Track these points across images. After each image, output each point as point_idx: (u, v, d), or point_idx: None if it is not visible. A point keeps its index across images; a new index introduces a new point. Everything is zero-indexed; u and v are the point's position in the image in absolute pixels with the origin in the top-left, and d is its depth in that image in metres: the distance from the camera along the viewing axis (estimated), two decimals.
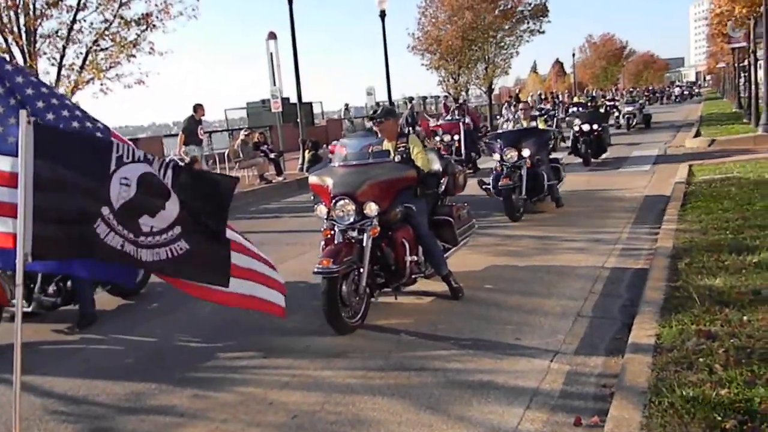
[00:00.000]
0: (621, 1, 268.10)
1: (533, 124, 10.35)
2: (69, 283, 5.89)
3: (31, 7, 10.76)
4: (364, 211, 5.26)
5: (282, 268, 7.55)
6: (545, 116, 20.69)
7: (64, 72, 11.51)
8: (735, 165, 12.14)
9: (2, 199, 3.21)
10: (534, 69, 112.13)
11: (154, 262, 3.40)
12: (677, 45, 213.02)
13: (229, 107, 32.96)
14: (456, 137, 12.92)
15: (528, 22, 33.21)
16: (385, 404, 3.91)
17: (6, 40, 10.70)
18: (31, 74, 3.44)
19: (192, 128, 13.68)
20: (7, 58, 10.79)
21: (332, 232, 5.46)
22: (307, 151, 15.96)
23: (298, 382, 4.37)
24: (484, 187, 9.48)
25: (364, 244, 5.25)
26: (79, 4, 11.38)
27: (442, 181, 6.37)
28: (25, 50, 10.86)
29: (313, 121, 30.74)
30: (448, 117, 16.50)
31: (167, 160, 3.39)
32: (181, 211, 3.30)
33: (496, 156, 9.67)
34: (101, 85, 11.94)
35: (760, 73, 20.00)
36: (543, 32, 33.47)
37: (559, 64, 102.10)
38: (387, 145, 6.05)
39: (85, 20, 11.61)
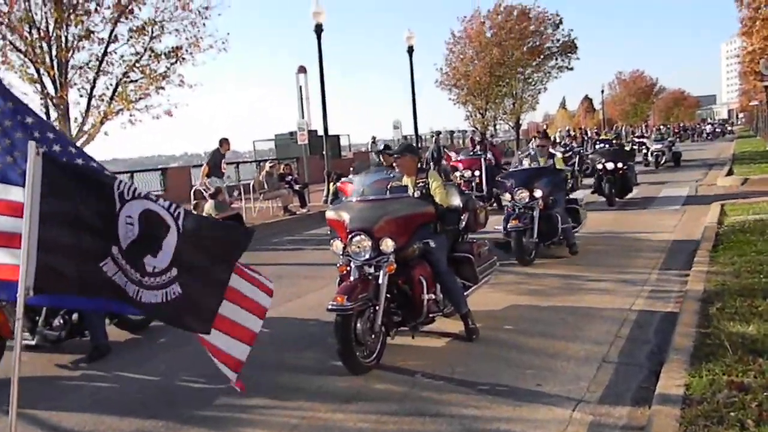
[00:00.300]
0: (651, 39, 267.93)
1: (550, 161, 9.70)
2: (75, 316, 5.83)
3: (63, 39, 11.00)
4: (380, 248, 5.14)
5: (299, 302, 7.53)
6: (570, 153, 20.43)
7: (93, 102, 11.71)
8: None
9: (9, 230, 3.15)
10: (563, 105, 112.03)
11: (151, 305, 3.29)
12: (709, 82, 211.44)
13: (257, 138, 33.40)
14: (477, 173, 12.75)
15: (556, 59, 33.26)
16: None
17: (38, 71, 10.93)
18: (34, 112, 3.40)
19: (216, 161, 13.83)
20: (39, 88, 11.04)
21: (348, 268, 5.34)
22: (331, 184, 15.95)
23: (308, 425, 4.21)
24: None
25: (380, 281, 5.11)
26: (110, 36, 11.63)
27: (462, 218, 6.23)
28: (57, 81, 11.06)
29: (339, 154, 30.91)
30: (471, 152, 16.39)
31: (178, 206, 3.27)
32: (178, 251, 3.19)
33: (507, 196, 9.25)
34: (130, 115, 12.10)
35: None
36: (571, 69, 33.53)
37: (588, 101, 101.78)
38: (406, 180, 5.96)
39: (115, 52, 11.86)
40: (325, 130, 18.13)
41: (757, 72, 26.23)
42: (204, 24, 12.34)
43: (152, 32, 11.91)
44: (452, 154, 16.43)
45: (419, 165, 6.17)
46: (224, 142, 14.01)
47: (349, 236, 5.23)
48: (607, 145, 17.78)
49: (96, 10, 11.35)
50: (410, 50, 23.05)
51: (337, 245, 5.41)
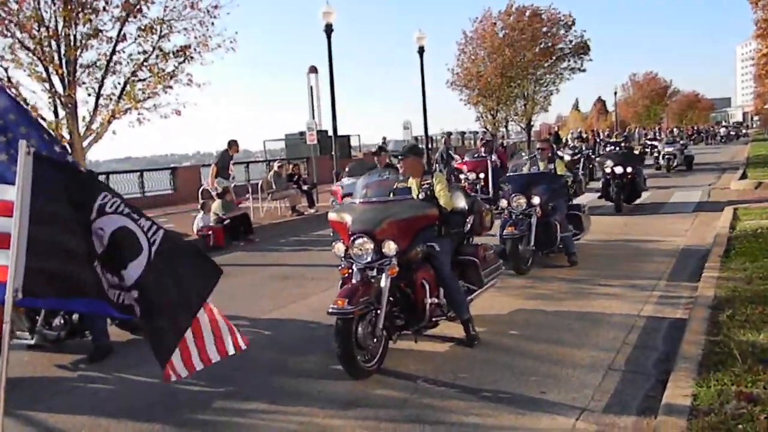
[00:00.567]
0: (665, 41, 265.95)
1: (551, 166, 9.27)
2: (75, 316, 5.79)
3: (72, 37, 10.99)
4: (383, 250, 5.06)
5: (304, 304, 7.47)
6: (579, 156, 20.14)
7: (101, 101, 11.67)
8: None
9: (2, 230, 3.09)
10: (576, 106, 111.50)
11: (132, 307, 3.23)
12: (723, 85, 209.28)
13: (268, 138, 33.45)
14: (482, 175, 12.46)
15: (569, 60, 33.02)
16: None
17: (46, 69, 10.92)
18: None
19: (225, 163, 13.83)
20: (47, 87, 11.04)
21: (350, 270, 5.27)
22: None
23: (306, 431, 4.13)
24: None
25: (382, 285, 5.03)
26: (118, 35, 11.58)
27: (468, 220, 6.14)
28: (65, 79, 11.06)
29: (350, 154, 30.87)
30: (475, 154, 16.16)
31: (158, 230, 3.20)
32: (143, 277, 3.13)
33: (504, 202, 8.85)
34: (138, 114, 12.08)
35: None
36: (584, 70, 33.28)
37: (601, 102, 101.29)
38: (411, 182, 5.88)
39: (124, 51, 11.81)
40: (335, 130, 18.09)
41: None
42: (212, 23, 12.29)
43: (161, 31, 11.85)
44: (456, 156, 16.19)
45: (426, 166, 6.08)
46: (233, 144, 14.01)
47: (352, 238, 5.16)
48: (615, 148, 17.24)
49: (104, 8, 11.31)
50: (421, 51, 22.95)
51: (339, 247, 5.33)
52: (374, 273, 5.14)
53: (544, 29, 31.87)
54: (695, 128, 62.91)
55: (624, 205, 13.87)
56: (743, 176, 19.16)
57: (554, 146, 22.56)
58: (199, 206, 12.91)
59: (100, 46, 11.62)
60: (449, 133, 32.97)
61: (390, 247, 5.05)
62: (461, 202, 6.08)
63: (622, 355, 5.18)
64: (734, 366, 4.29)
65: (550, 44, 32.15)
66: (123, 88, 11.78)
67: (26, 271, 2.94)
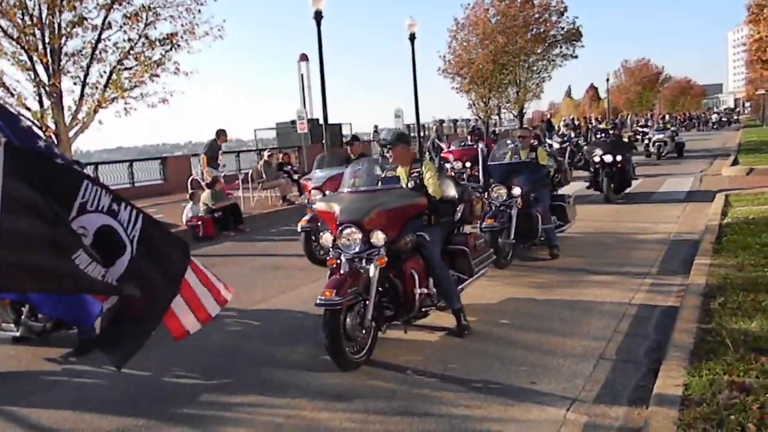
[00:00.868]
0: (657, 27, 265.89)
1: (532, 155, 8.83)
2: None
3: (56, 25, 10.81)
4: (371, 240, 4.98)
5: (293, 294, 7.39)
6: (567, 144, 19.95)
7: (87, 90, 11.53)
8: None
9: None
10: (568, 93, 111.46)
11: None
12: (715, 71, 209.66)
13: (259, 127, 33.21)
14: (468, 164, 12.12)
15: (561, 47, 32.94)
16: None
17: (30, 58, 10.75)
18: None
19: (214, 153, 13.69)
20: (31, 76, 10.87)
21: (338, 261, 5.18)
22: None
23: (292, 425, 4.07)
24: None
25: (371, 275, 4.95)
26: (103, 23, 11.41)
27: (458, 209, 6.07)
28: (50, 68, 10.88)
29: (341, 143, 30.66)
30: (462, 143, 15.90)
31: (137, 210, 3.18)
32: (130, 270, 3.09)
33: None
34: (125, 103, 11.93)
35: None
36: (576, 57, 33.23)
37: (593, 89, 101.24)
38: (399, 170, 5.79)
39: (109, 39, 11.64)
40: (325, 118, 17.91)
41: (764, 60, 25.94)
42: (199, 10, 12.15)
43: (147, 19, 11.70)
44: (443, 145, 15.89)
45: (417, 155, 5.99)
46: (221, 133, 13.85)
47: (339, 228, 5.08)
48: (604, 136, 16.73)
49: None
50: (412, 38, 22.76)
51: (327, 238, 5.25)
52: (363, 263, 5.06)
53: (536, 15, 31.75)
54: (687, 114, 63.00)
55: (613, 195, 13.45)
56: (735, 162, 19.17)
57: (546, 133, 22.44)
58: (188, 196, 12.79)
59: (85, 34, 11.49)
60: (441, 121, 32.93)
61: (378, 237, 4.98)
62: (451, 191, 6.00)
63: (613, 344, 5.14)
64: (726, 355, 4.24)
65: (542, 30, 32.05)
66: (109, 77, 11.64)
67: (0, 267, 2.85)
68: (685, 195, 13.80)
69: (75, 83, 11.56)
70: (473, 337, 5.47)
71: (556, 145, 19.36)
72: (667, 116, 47.29)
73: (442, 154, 13.69)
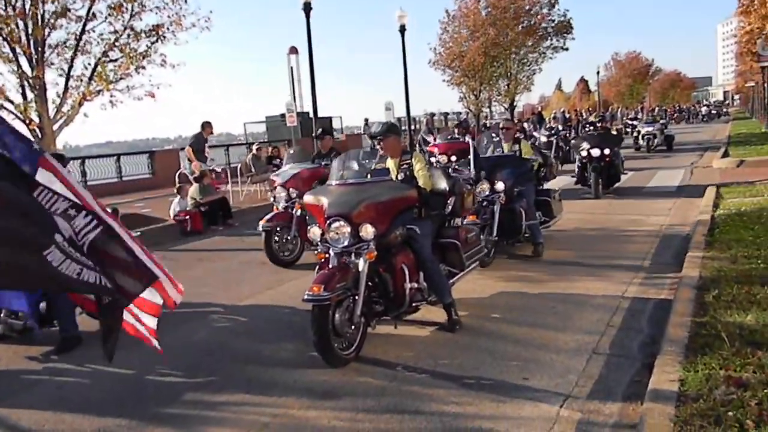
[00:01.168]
0: (647, 20, 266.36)
1: (515, 148, 8.49)
2: (43, 305, 5.56)
3: (39, 16, 10.59)
4: (360, 234, 4.86)
5: (281, 290, 7.27)
6: (554, 137, 19.75)
7: (72, 83, 11.31)
8: (767, 188, 11.52)
9: None
10: (559, 86, 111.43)
11: (122, 287, 3.04)
12: (705, 64, 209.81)
13: (249, 121, 32.96)
14: (453, 158, 11.74)
15: (551, 39, 32.88)
16: None
17: (13, 50, 10.52)
18: None
19: (199, 146, 13.47)
20: (14, 68, 10.65)
21: (327, 255, 5.07)
22: None
23: (279, 423, 3.95)
24: None
25: (360, 269, 4.84)
26: (88, 14, 11.19)
27: (448, 202, 5.96)
28: (33, 60, 10.67)
29: (332, 135, 30.47)
30: (448, 136, 15.61)
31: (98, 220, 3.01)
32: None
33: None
34: (111, 96, 11.73)
35: None
36: (566, 49, 33.17)
37: (584, 82, 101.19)
38: (389, 162, 5.67)
39: (94, 31, 11.43)
40: (315, 111, 17.77)
41: (754, 52, 25.94)
42: (185, 1, 11.94)
43: (132, 9, 11.48)
44: (429, 138, 15.52)
45: (407, 147, 5.87)
46: (206, 125, 13.62)
47: (328, 222, 4.95)
48: (591, 129, 16.30)
49: None
50: (402, 30, 22.63)
51: (315, 231, 5.13)
52: (352, 258, 4.94)
53: (527, 7, 31.64)
54: (677, 107, 63.17)
55: (602, 190, 12.96)
56: (725, 154, 19.16)
57: (537, 126, 22.28)
58: (176, 190, 12.62)
59: (69, 25, 11.26)
60: (432, 114, 32.75)
61: (367, 231, 4.86)
62: (442, 183, 5.89)
63: (606, 338, 5.05)
64: (722, 349, 4.17)
65: (533, 23, 31.96)
66: (94, 69, 11.43)
67: None
68: (676, 188, 13.72)
69: (59, 75, 11.37)
70: (464, 331, 5.37)
71: (543, 139, 19.15)
72: (656, 109, 47.33)
73: (427, 148, 13.32)
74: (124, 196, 17.29)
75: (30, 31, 10.59)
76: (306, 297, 4.60)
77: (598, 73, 58.14)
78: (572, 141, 17.22)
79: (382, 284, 5.11)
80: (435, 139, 14.30)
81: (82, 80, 11.38)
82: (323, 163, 9.01)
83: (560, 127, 21.90)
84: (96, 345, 5.56)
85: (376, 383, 4.45)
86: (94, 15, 11.30)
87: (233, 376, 4.74)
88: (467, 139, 13.03)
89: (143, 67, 11.66)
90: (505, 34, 30.76)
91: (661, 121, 26.61)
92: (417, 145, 19.20)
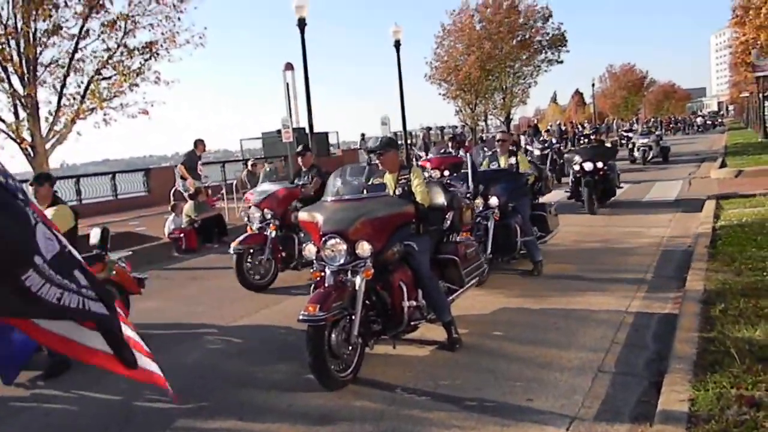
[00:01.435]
0: (641, 32, 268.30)
1: (512, 161, 8.21)
2: None
3: (31, 34, 10.49)
4: (357, 251, 4.72)
5: (276, 309, 7.11)
6: (548, 150, 19.62)
7: (64, 101, 11.21)
8: (766, 198, 11.41)
9: None
10: (554, 99, 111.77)
11: (104, 317, 2.88)
12: (699, 75, 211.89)
13: (245, 137, 32.87)
14: (446, 173, 11.45)
15: (546, 52, 32.95)
16: None
17: (5, 69, 10.42)
18: None
19: (192, 163, 13.38)
20: (6, 87, 10.54)
21: (323, 273, 4.92)
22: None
23: None
24: None
25: (357, 288, 4.70)
26: (80, 32, 11.11)
27: (447, 217, 5.83)
28: (25, 78, 10.56)
29: (328, 151, 30.41)
30: (441, 150, 15.45)
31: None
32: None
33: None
34: (104, 114, 11.63)
35: None
36: (561, 62, 33.24)
37: (579, 94, 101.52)
38: (387, 177, 5.55)
39: (87, 48, 11.35)
40: (310, 126, 17.66)
41: (748, 63, 26.01)
42: (179, 18, 11.87)
43: (125, 27, 11.41)
44: (421, 153, 15.31)
45: (404, 161, 5.75)
46: (199, 143, 13.53)
47: (323, 239, 4.81)
48: (586, 141, 15.81)
49: (65, 4, 10.85)
50: (397, 44, 22.59)
51: (310, 249, 4.99)
52: (348, 276, 4.80)
53: (521, 21, 31.74)
54: (673, 118, 63.37)
55: (597, 205, 12.50)
56: (723, 165, 19.08)
57: (533, 139, 22.19)
58: (170, 208, 12.48)
59: (61, 43, 11.16)
60: (428, 128, 32.73)
61: (364, 248, 4.72)
62: (440, 198, 5.77)
63: (611, 355, 4.91)
64: (732, 366, 4.02)
65: (527, 36, 32.03)
66: (87, 87, 11.32)
67: None
68: (675, 200, 13.55)
69: (52, 93, 11.26)
70: (465, 350, 5.22)
71: (536, 152, 18.99)
72: (652, 120, 47.40)
73: (419, 162, 13.01)
74: (119, 215, 17.15)
75: (22, 50, 10.50)
76: (301, 317, 4.45)
77: (593, 85, 58.27)
78: (565, 154, 16.95)
79: (380, 303, 4.96)
80: (427, 154, 14.14)
81: (75, 98, 11.29)
82: (301, 183, 8.77)
83: (554, 140, 21.77)
84: (83, 369, 5.42)
85: (374, 407, 4.30)
86: (87, 32, 11.23)
87: (226, 400, 4.58)
88: (461, 153, 12.77)
89: (137, 85, 11.58)
90: (500, 48, 30.80)
91: (657, 133, 26.36)
92: (414, 159, 19.12)
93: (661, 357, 4.66)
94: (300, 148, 9.52)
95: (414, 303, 5.05)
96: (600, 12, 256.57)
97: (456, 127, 38.61)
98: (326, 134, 31.30)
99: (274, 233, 8.10)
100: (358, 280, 4.71)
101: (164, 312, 7.25)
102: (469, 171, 7.34)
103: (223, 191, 15.78)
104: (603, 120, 60.11)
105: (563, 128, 39.35)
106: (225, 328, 6.46)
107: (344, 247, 4.73)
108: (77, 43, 11.17)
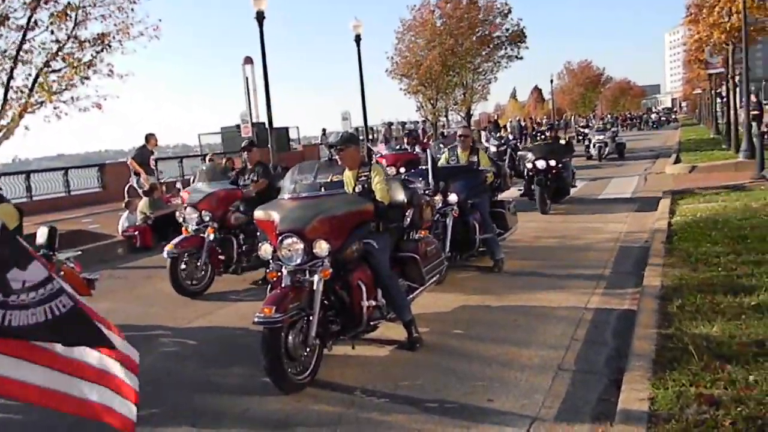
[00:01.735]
0: (598, 29, 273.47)
1: (473, 158, 8.15)
2: None
3: None
4: (314, 250, 4.60)
5: (232, 309, 6.93)
6: (506, 146, 19.69)
7: (11, 94, 10.75)
8: (719, 194, 11.66)
9: None
10: (513, 95, 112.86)
11: (27, 327, 2.67)
12: (653, 72, 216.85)
13: (203, 132, 32.33)
14: (402, 170, 11.27)
15: (506, 48, 33.11)
16: None
17: None
18: None
19: (144, 158, 13.01)
20: None
21: (279, 273, 4.78)
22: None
23: None
24: None
25: (315, 288, 4.58)
26: (28, 23, 10.66)
27: (406, 214, 5.74)
28: None
29: (288, 146, 30.11)
30: (396, 146, 15.27)
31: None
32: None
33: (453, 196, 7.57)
34: (54, 108, 11.20)
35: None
36: (521, 58, 33.41)
37: (537, 91, 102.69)
38: (346, 174, 5.43)
39: (35, 39, 10.89)
40: (270, 121, 17.38)
41: (701, 60, 26.56)
42: (132, 9, 11.48)
43: (76, 18, 10.98)
44: (375, 149, 15.05)
45: (365, 158, 5.65)
46: (151, 137, 13.14)
47: (279, 238, 4.68)
48: (541, 137, 15.43)
49: None
50: (357, 39, 22.41)
51: (266, 249, 4.84)
52: (305, 276, 4.68)
53: (481, 17, 31.83)
54: (628, 114, 64.62)
55: (551, 204, 12.17)
56: (677, 161, 19.48)
57: (491, 134, 22.26)
58: (124, 205, 12.12)
59: (8, 34, 10.68)
60: (390, 123, 32.63)
61: (322, 247, 4.60)
62: (400, 195, 5.68)
63: (571, 352, 4.90)
64: (690, 363, 4.03)
65: (487, 32, 32.14)
66: (35, 80, 10.87)
67: None
68: (631, 195, 13.75)
69: None
70: (425, 350, 5.15)
71: (493, 149, 18.99)
72: (608, 116, 48.21)
73: (375, 158, 12.75)
74: (72, 212, 16.60)
75: None
76: (256, 319, 4.31)
77: (551, 81, 59.01)
78: (519, 152, 16.85)
79: (339, 303, 4.85)
80: (382, 150, 13.94)
81: (22, 92, 10.82)
82: (242, 183, 8.33)
83: (511, 137, 21.78)
84: None
85: (332, 410, 4.19)
86: (35, 24, 10.76)
87: (179, 406, 4.41)
88: (417, 149, 12.58)
89: (88, 78, 11.16)
90: (461, 43, 30.84)
91: (612, 129, 26.76)
92: (371, 155, 18.99)
93: (621, 354, 4.66)
94: (245, 143, 8.97)
95: (374, 302, 4.97)
96: (562, 6, 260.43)
97: (417, 122, 38.63)
98: (287, 129, 31.00)
99: (212, 236, 7.66)
100: (316, 280, 4.59)
101: (116, 313, 6.97)
102: (429, 167, 7.28)
103: (180, 187, 15.42)
104: (561, 116, 60.94)
105: (523, 124, 39.77)
106: (179, 330, 6.27)
107: (301, 246, 4.61)
108: (25, 34, 10.71)
